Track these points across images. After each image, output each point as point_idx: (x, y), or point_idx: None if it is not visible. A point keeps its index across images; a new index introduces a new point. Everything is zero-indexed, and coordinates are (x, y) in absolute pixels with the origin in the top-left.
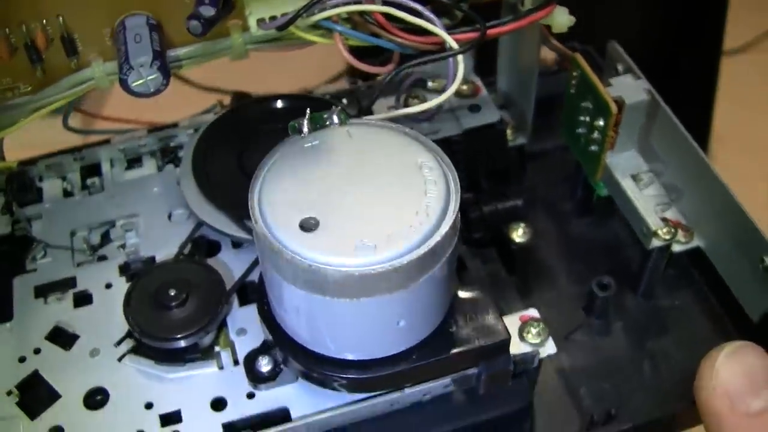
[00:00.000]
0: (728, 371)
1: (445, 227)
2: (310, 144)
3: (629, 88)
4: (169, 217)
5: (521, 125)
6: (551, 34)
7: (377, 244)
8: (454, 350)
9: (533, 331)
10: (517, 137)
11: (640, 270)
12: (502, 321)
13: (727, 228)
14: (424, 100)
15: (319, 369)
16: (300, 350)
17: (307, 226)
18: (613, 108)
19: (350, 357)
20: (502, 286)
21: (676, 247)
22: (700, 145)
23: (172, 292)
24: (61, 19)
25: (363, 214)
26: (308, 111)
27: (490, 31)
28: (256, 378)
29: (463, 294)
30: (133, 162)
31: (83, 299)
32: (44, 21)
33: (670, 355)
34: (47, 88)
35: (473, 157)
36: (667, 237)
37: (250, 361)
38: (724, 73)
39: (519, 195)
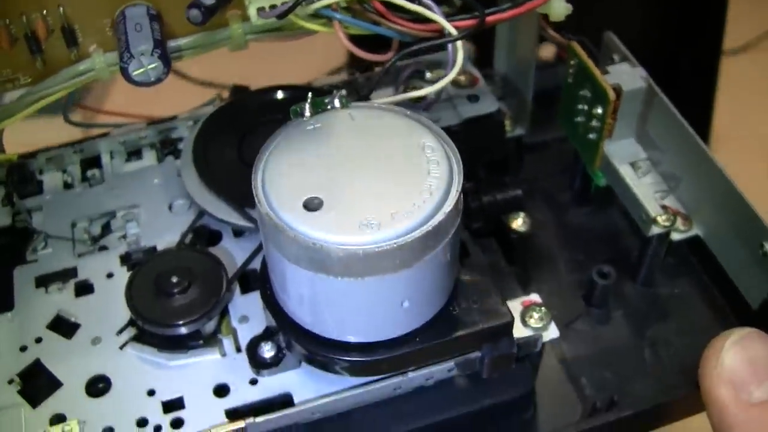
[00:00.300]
0: (733, 359)
1: (448, 206)
2: (312, 126)
3: (626, 75)
4: (170, 207)
5: (519, 116)
6: (548, 23)
7: (381, 223)
8: (458, 333)
9: (535, 315)
10: (516, 128)
11: (639, 258)
12: (505, 304)
13: (726, 215)
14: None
15: (322, 352)
16: (303, 333)
17: (311, 205)
18: (611, 95)
19: (353, 339)
20: (502, 276)
21: (675, 236)
22: None
23: (174, 279)
24: (61, 9)
25: (366, 194)
26: (310, 95)
27: (489, 18)
28: (258, 364)
29: (465, 278)
30: (133, 154)
31: (84, 288)
32: (44, 11)
33: (671, 342)
34: (47, 79)
35: (472, 147)
36: (667, 224)
37: (253, 347)
38: (724, 73)
39: (518, 185)
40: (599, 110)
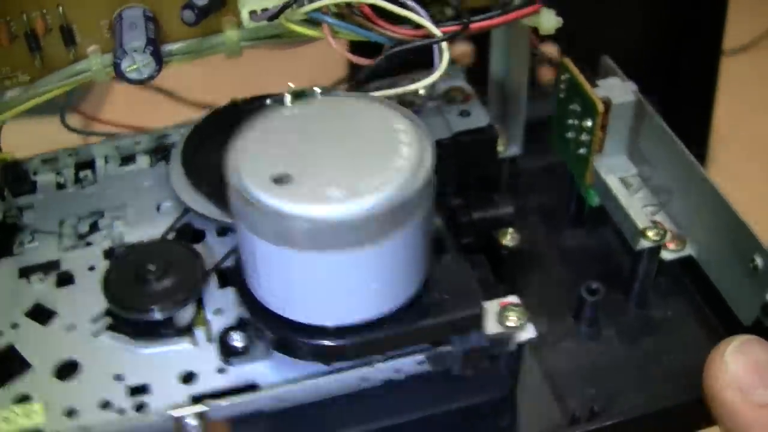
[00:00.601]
0: (737, 364)
1: (417, 182)
2: (289, 112)
3: (616, 89)
4: (158, 208)
5: (513, 136)
6: (538, 37)
7: (347, 195)
8: (426, 320)
9: (512, 315)
10: (509, 148)
11: (630, 275)
12: (479, 295)
13: (718, 229)
14: (411, 105)
15: (289, 335)
16: (272, 318)
17: (280, 180)
18: (600, 107)
19: (320, 323)
20: (491, 292)
21: (668, 256)
22: (700, 146)
23: (151, 267)
24: (60, 8)
25: (336, 171)
26: (290, 84)
27: (475, 25)
28: (228, 352)
29: (439, 267)
30: (127, 159)
31: (65, 280)
32: (44, 10)
33: (661, 361)
34: (45, 78)
35: (462, 162)
36: (656, 238)
37: (224, 336)
38: (724, 73)
39: (509, 203)
40: (589, 123)
